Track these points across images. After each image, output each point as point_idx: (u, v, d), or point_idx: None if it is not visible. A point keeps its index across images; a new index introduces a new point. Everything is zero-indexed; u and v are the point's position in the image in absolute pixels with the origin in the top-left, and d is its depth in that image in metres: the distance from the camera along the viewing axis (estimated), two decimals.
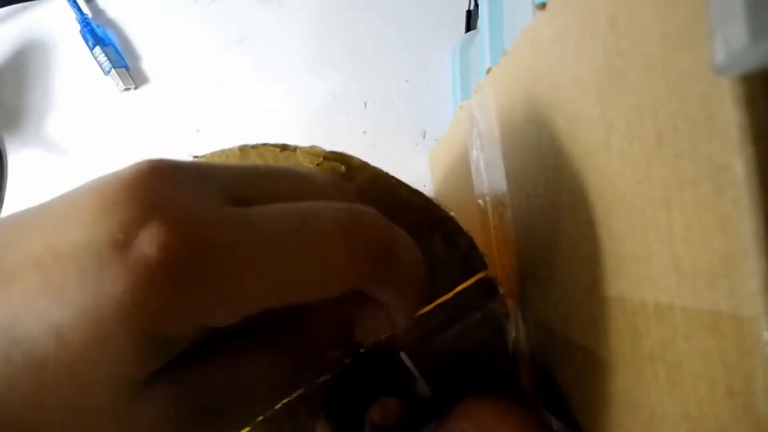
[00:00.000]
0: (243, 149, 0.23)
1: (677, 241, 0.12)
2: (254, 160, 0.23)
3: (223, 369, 0.14)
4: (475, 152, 0.27)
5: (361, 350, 0.20)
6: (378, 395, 0.21)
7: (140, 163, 0.14)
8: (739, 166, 0.09)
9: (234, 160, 0.23)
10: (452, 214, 0.23)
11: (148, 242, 0.12)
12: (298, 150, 0.23)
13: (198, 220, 0.13)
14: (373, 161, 0.23)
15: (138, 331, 0.12)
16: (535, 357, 0.23)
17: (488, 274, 0.22)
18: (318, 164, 0.23)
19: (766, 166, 0.09)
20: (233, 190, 0.14)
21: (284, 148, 0.23)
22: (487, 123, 0.25)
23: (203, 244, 0.12)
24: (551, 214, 0.19)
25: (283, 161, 0.23)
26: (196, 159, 0.23)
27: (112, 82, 0.45)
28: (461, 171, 0.31)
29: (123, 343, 0.12)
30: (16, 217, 0.13)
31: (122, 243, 0.12)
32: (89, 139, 0.45)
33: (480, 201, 0.27)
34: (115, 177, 0.13)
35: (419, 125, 0.44)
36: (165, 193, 0.13)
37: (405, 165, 0.43)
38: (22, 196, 0.45)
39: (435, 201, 0.23)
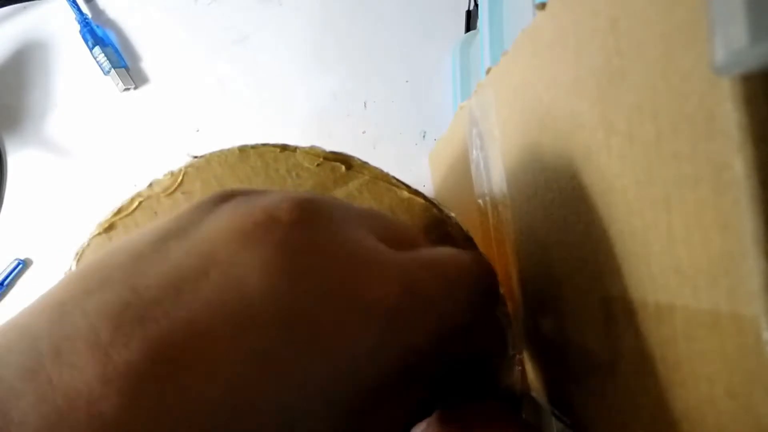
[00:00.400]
0: (243, 149, 0.23)
1: (677, 241, 0.12)
2: (254, 161, 0.23)
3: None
4: (475, 152, 0.27)
5: None
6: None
7: (286, 204, 0.13)
8: (739, 166, 0.09)
9: (233, 161, 0.23)
10: (452, 214, 0.23)
11: (372, 295, 0.12)
12: (298, 150, 0.23)
13: (399, 264, 0.13)
14: (373, 161, 0.23)
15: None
16: (534, 357, 0.23)
17: None
18: (318, 164, 0.23)
19: (766, 166, 0.09)
20: (380, 234, 0.14)
21: (284, 148, 0.23)
22: (487, 123, 0.25)
23: (413, 287, 0.13)
24: (551, 214, 0.19)
25: (283, 161, 0.23)
26: (196, 158, 0.23)
27: (112, 82, 0.45)
28: (461, 171, 0.31)
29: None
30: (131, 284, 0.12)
31: (346, 295, 0.12)
32: (89, 139, 0.45)
33: (480, 201, 0.27)
34: (273, 221, 0.12)
35: (419, 125, 0.44)
36: (358, 246, 0.13)
37: (405, 165, 0.43)
38: (22, 196, 0.45)
39: (435, 202, 0.23)
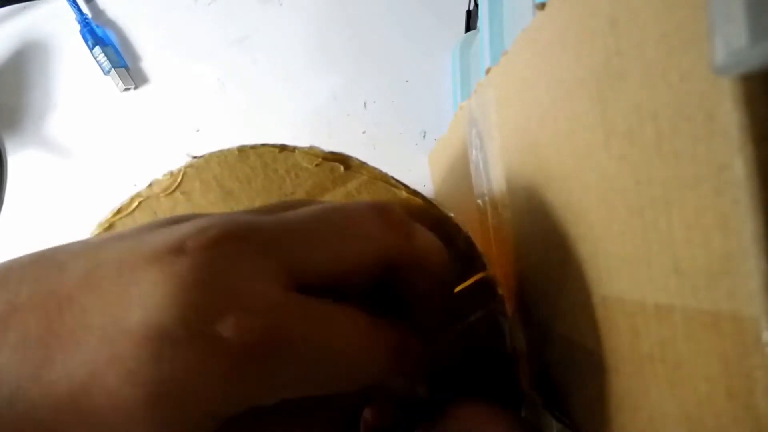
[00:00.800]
0: (242, 149, 0.23)
1: (677, 241, 0.12)
2: (253, 161, 0.23)
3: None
4: (474, 152, 0.27)
5: None
6: (373, 396, 0.22)
7: (201, 235, 0.13)
8: (739, 166, 0.09)
9: (232, 161, 0.23)
10: (452, 214, 0.23)
11: (228, 328, 0.12)
12: (296, 150, 0.23)
13: (274, 309, 0.13)
14: (373, 161, 0.23)
15: (202, 412, 0.12)
16: (534, 357, 0.23)
17: (487, 274, 0.22)
18: (317, 164, 0.23)
19: (766, 166, 0.09)
20: (294, 268, 0.14)
21: (283, 148, 0.23)
22: (486, 123, 0.25)
23: (279, 334, 0.13)
24: (551, 214, 0.19)
25: (282, 161, 0.23)
26: (195, 158, 0.23)
27: (112, 82, 0.45)
28: (461, 171, 0.31)
29: (187, 423, 0.12)
30: (57, 261, 0.13)
31: (200, 329, 0.12)
32: (89, 139, 0.45)
33: (479, 201, 0.27)
34: (177, 251, 0.13)
35: (419, 125, 0.44)
36: (238, 277, 0.13)
37: (405, 165, 0.43)
38: (22, 197, 0.45)
39: (434, 201, 0.23)
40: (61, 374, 0.12)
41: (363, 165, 0.23)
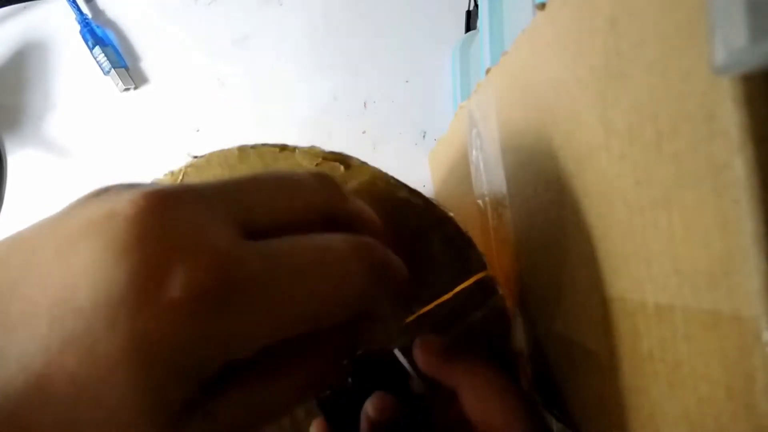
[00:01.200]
0: (242, 149, 0.23)
1: (677, 241, 0.12)
2: (253, 161, 0.23)
3: (247, 397, 0.15)
4: (474, 152, 0.27)
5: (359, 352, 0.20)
6: (373, 392, 0.22)
7: (133, 196, 0.13)
8: (739, 166, 0.09)
9: (233, 161, 0.23)
10: (452, 214, 0.23)
11: (178, 285, 0.12)
12: (297, 150, 0.23)
13: (224, 256, 0.13)
14: (373, 161, 0.23)
15: (170, 369, 0.12)
16: (534, 357, 0.23)
17: (487, 274, 0.22)
18: (317, 164, 0.23)
19: (766, 166, 0.09)
20: (240, 216, 0.14)
21: (283, 148, 0.23)
22: (486, 123, 0.25)
23: (233, 280, 0.12)
24: (551, 214, 0.19)
25: (282, 161, 0.23)
26: (196, 158, 0.23)
27: (112, 82, 0.45)
28: (461, 171, 0.31)
29: (156, 384, 0.12)
30: None
31: (151, 288, 0.12)
32: (89, 139, 0.45)
33: (479, 201, 0.27)
34: (111, 215, 0.12)
35: (419, 125, 0.44)
36: (180, 230, 0.13)
37: (405, 165, 0.43)
38: (22, 197, 0.45)
39: (435, 201, 0.23)
40: (16, 369, 0.11)
41: (363, 165, 0.23)
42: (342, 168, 0.23)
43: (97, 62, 0.45)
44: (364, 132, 0.44)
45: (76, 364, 0.11)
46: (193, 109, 0.45)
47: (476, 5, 0.44)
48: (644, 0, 0.12)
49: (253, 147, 0.23)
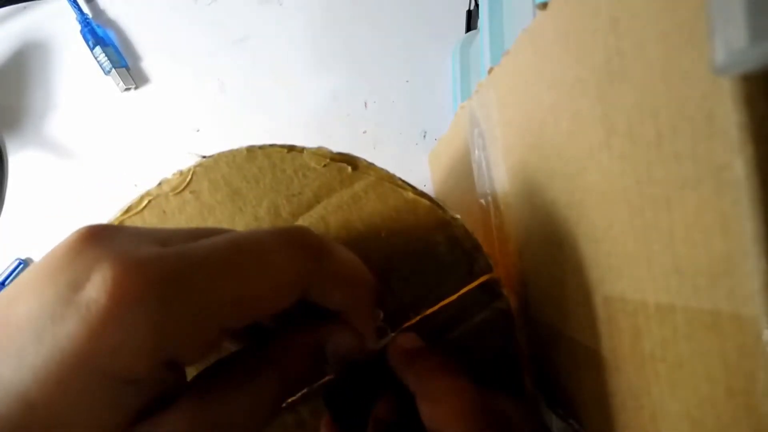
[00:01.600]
0: (250, 149, 0.23)
1: (678, 241, 0.12)
2: (261, 161, 0.23)
3: (215, 405, 0.15)
4: (477, 152, 0.27)
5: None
6: (379, 392, 0.22)
7: (77, 230, 0.14)
8: (739, 166, 0.09)
9: (240, 161, 0.23)
10: (458, 216, 0.23)
11: (97, 286, 0.12)
12: (305, 151, 0.23)
13: (141, 257, 0.13)
14: (373, 161, 0.23)
15: (107, 377, 0.12)
16: (537, 356, 0.23)
17: (493, 276, 0.23)
18: (324, 165, 0.23)
19: (766, 166, 0.09)
20: (168, 239, 0.15)
21: (291, 149, 0.23)
22: (488, 123, 0.25)
23: (152, 277, 0.13)
24: (553, 213, 0.19)
25: (289, 162, 0.23)
26: (204, 158, 0.23)
27: (112, 82, 0.45)
28: (462, 171, 0.31)
29: (95, 392, 0.12)
30: None
31: (72, 296, 0.12)
32: (89, 139, 0.45)
33: (482, 201, 0.27)
34: (54, 248, 0.14)
35: (419, 125, 0.44)
36: (105, 243, 0.13)
37: (405, 165, 0.43)
38: (22, 197, 0.45)
39: (440, 203, 0.23)
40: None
41: (370, 166, 0.23)
42: (349, 169, 0.23)
43: (98, 62, 0.45)
44: (364, 132, 0.44)
45: (10, 375, 0.12)
46: (193, 109, 0.45)
47: (476, 5, 0.44)
48: (644, 0, 0.12)
49: (261, 147, 0.23)
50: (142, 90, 0.46)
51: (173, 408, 0.14)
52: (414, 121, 0.44)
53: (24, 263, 0.43)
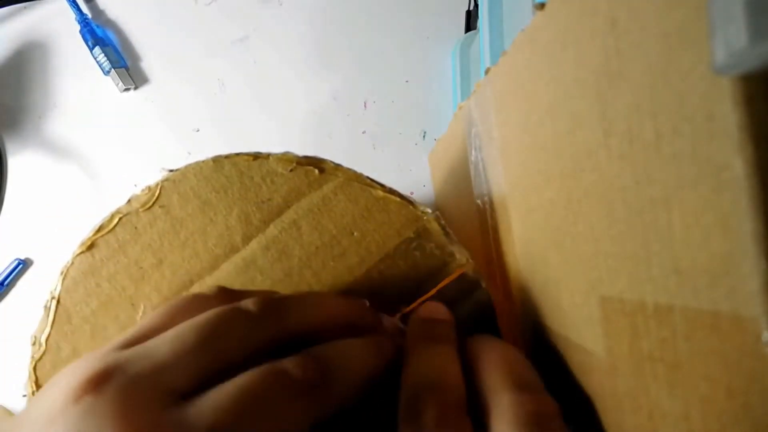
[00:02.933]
0: (216, 160, 0.23)
1: (677, 241, 0.12)
2: (228, 170, 0.23)
3: None
4: (474, 152, 0.27)
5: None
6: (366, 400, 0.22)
7: (70, 375, 0.16)
8: (739, 166, 0.09)
9: (208, 172, 0.23)
10: (428, 210, 0.23)
11: None
12: (271, 157, 0.24)
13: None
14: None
15: None
16: (534, 357, 0.23)
17: (469, 267, 0.23)
18: (291, 169, 0.23)
19: (766, 166, 0.09)
20: (175, 385, 0.16)
21: (257, 156, 0.24)
22: (485, 123, 0.25)
23: None
24: (551, 214, 0.19)
25: (256, 169, 0.23)
26: (172, 172, 0.24)
27: (112, 82, 0.45)
28: (460, 171, 0.31)
29: None
30: None
31: None
32: (89, 139, 0.45)
33: (479, 201, 0.27)
34: (47, 398, 0.15)
35: (419, 125, 0.44)
36: (109, 409, 0.15)
37: (405, 165, 0.43)
38: (22, 196, 0.45)
39: (410, 199, 0.23)
40: None
41: (338, 167, 0.24)
42: (316, 171, 0.23)
43: (97, 62, 0.45)
44: (364, 132, 0.44)
45: None
46: (193, 109, 0.45)
47: (476, 5, 0.44)
48: (644, 0, 0.12)
49: (227, 157, 0.23)
50: (142, 90, 0.46)
51: None
52: (413, 121, 0.44)
53: (23, 263, 0.43)
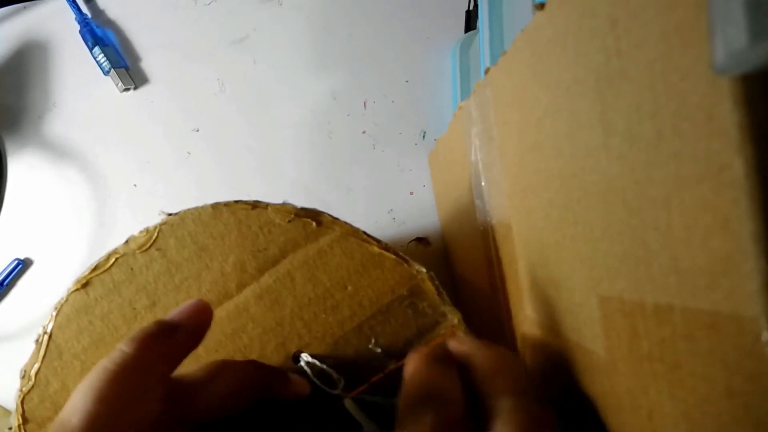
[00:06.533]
0: (215, 207, 0.24)
1: (677, 241, 0.12)
2: (227, 218, 0.24)
3: None
4: (474, 152, 0.27)
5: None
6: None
7: None
8: (739, 166, 0.09)
9: (206, 218, 0.24)
10: (423, 269, 0.24)
11: None
12: (270, 207, 0.24)
13: None
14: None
15: None
16: (534, 357, 0.23)
17: (460, 329, 0.24)
18: (289, 221, 0.24)
19: (766, 166, 0.09)
20: None
21: (256, 205, 0.24)
22: (485, 123, 0.25)
23: None
24: (550, 214, 0.19)
25: (254, 218, 0.24)
26: (170, 216, 0.24)
27: (112, 82, 0.45)
28: (460, 171, 0.31)
29: None
30: None
31: None
32: (89, 139, 0.45)
33: (478, 201, 0.27)
34: None
35: (419, 125, 0.44)
36: None
37: (405, 165, 0.43)
38: (22, 197, 0.45)
39: (405, 257, 0.24)
40: None
41: (335, 221, 0.24)
42: (314, 224, 0.24)
43: (97, 62, 0.45)
44: (364, 132, 0.44)
45: None
46: (193, 109, 0.45)
47: (476, 5, 0.44)
48: (644, 0, 0.12)
49: (226, 204, 0.24)
50: (142, 90, 0.46)
51: None
52: (413, 122, 0.44)
53: (23, 263, 0.43)
